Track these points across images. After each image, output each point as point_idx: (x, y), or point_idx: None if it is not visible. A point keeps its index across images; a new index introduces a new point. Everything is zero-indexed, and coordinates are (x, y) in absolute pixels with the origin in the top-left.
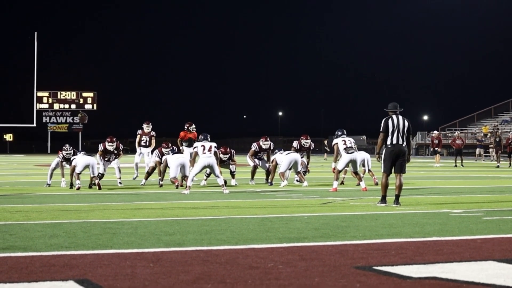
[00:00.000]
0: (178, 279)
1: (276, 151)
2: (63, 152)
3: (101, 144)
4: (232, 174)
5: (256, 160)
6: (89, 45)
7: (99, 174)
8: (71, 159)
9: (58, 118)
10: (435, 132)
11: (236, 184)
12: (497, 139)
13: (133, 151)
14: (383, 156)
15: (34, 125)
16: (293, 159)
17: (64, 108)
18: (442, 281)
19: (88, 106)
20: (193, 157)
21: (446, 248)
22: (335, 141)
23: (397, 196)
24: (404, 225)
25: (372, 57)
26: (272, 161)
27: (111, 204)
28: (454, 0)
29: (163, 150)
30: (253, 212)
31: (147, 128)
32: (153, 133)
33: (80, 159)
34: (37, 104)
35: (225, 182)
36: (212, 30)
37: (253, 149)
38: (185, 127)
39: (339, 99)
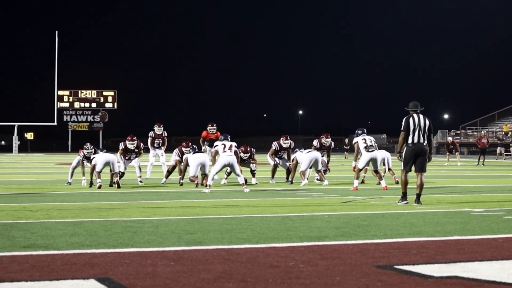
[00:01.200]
0: (199, 277)
1: (297, 149)
2: (84, 151)
3: (122, 143)
4: (253, 173)
5: (276, 159)
6: (110, 44)
7: (120, 172)
8: (91, 157)
9: (78, 116)
10: (450, 138)
11: (256, 183)
12: None
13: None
14: (404, 154)
15: (55, 123)
16: (314, 157)
17: (84, 106)
18: (464, 280)
19: (108, 105)
20: (213, 156)
21: (467, 247)
22: (355, 139)
23: (418, 195)
24: (425, 224)
25: (392, 57)
26: (293, 159)
27: (132, 203)
28: None
29: (183, 149)
30: (274, 210)
31: (158, 130)
32: (165, 134)
33: (100, 157)
34: (58, 103)
35: (246, 180)
36: (232, 28)
37: (273, 148)
38: (208, 128)
39: (359, 98)
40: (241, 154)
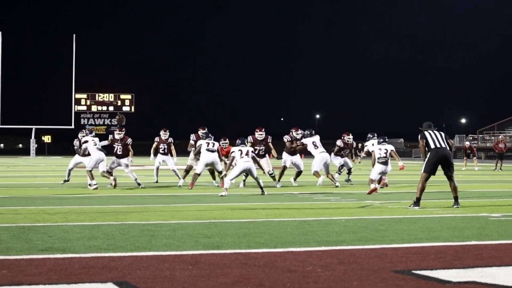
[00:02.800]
0: (216, 281)
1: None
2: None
3: (110, 135)
4: (272, 176)
5: (289, 158)
6: (127, 47)
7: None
8: (82, 141)
9: (96, 120)
10: (467, 143)
11: (281, 186)
12: None
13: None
14: (428, 156)
15: (72, 126)
16: (325, 158)
17: (102, 110)
18: (482, 285)
19: (126, 108)
20: (230, 162)
21: (485, 252)
22: (371, 148)
23: (456, 198)
24: (442, 229)
25: (408, 61)
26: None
27: (149, 206)
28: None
29: (200, 133)
30: (291, 215)
31: (164, 135)
32: (170, 139)
33: (93, 155)
34: (75, 106)
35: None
36: (248, 30)
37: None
38: (219, 142)
39: (377, 102)
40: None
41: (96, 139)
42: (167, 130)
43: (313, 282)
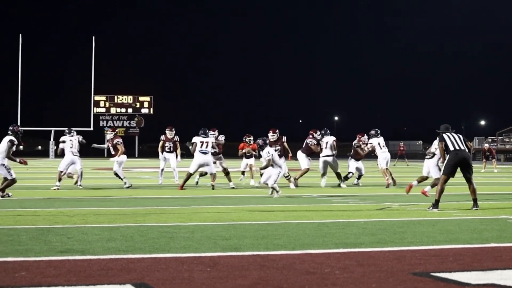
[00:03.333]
0: (235, 283)
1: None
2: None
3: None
4: (287, 178)
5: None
6: (146, 49)
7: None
8: (60, 141)
9: (114, 122)
10: (486, 145)
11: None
12: None
13: (189, 155)
14: (447, 159)
15: (91, 128)
16: (326, 160)
17: (120, 112)
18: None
19: (144, 110)
20: (267, 164)
21: (504, 255)
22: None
23: (475, 200)
24: (461, 231)
25: (428, 62)
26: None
27: (168, 208)
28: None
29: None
30: (310, 217)
31: (170, 133)
32: (176, 138)
33: (66, 157)
34: (94, 108)
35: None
36: (268, 33)
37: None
38: (244, 139)
39: (395, 104)
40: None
41: (75, 141)
42: (173, 129)
43: (331, 284)
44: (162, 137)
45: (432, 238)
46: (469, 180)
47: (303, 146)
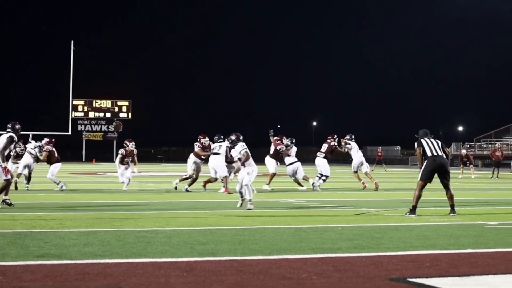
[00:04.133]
0: None
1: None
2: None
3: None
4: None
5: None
6: (125, 54)
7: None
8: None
9: (93, 126)
10: (464, 150)
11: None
12: None
13: (167, 159)
14: (424, 164)
15: (69, 133)
16: (295, 166)
17: (99, 116)
18: None
19: (123, 115)
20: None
21: (481, 260)
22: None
23: (452, 206)
24: (438, 237)
25: (407, 68)
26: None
27: (145, 213)
28: (486, 13)
29: (202, 141)
30: (287, 222)
31: (130, 146)
32: (135, 151)
33: (24, 160)
34: (73, 112)
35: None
36: (245, 39)
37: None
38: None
39: (374, 110)
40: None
41: (31, 146)
42: (132, 141)
43: None
44: (123, 151)
45: (409, 244)
46: (446, 186)
47: (271, 151)
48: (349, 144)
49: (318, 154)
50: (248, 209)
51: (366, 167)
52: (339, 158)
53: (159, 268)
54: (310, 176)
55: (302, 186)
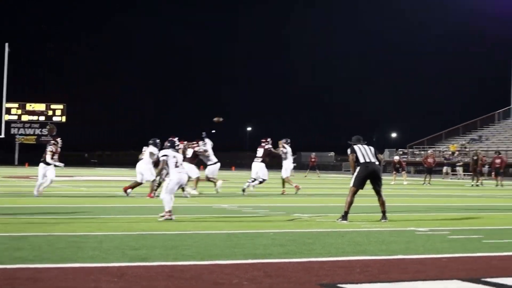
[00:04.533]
0: None
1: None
2: None
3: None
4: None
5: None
6: (60, 57)
7: None
8: None
9: (26, 129)
10: (396, 157)
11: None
12: (475, 158)
13: (100, 164)
14: (357, 171)
15: (2, 136)
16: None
17: (32, 119)
18: None
19: (56, 118)
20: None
21: (411, 267)
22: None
23: (384, 212)
24: (369, 243)
25: (339, 74)
26: None
27: (77, 218)
28: (423, 26)
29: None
30: (220, 227)
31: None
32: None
33: None
34: (6, 115)
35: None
36: (173, 37)
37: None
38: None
39: (308, 115)
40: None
41: None
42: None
43: None
44: (53, 148)
45: (340, 250)
46: (378, 192)
47: (190, 156)
48: (285, 148)
49: (255, 159)
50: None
51: (287, 173)
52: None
53: (89, 273)
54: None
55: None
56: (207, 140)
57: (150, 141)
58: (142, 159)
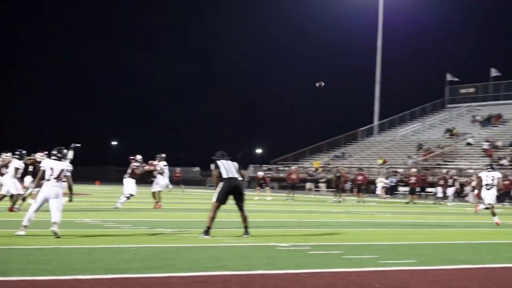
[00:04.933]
0: None
1: None
2: None
3: None
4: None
5: None
6: None
7: None
8: None
9: None
10: (260, 173)
11: None
12: (338, 174)
13: None
14: (220, 186)
15: None
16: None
17: None
18: None
19: None
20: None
21: (271, 282)
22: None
23: (246, 227)
24: (231, 258)
25: (202, 90)
26: None
27: None
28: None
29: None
30: (81, 242)
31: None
32: None
33: None
34: None
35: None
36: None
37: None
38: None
39: (176, 131)
40: None
41: None
42: None
43: None
44: None
45: (201, 265)
46: (241, 207)
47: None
48: (158, 164)
49: (124, 175)
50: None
51: (158, 187)
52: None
53: None
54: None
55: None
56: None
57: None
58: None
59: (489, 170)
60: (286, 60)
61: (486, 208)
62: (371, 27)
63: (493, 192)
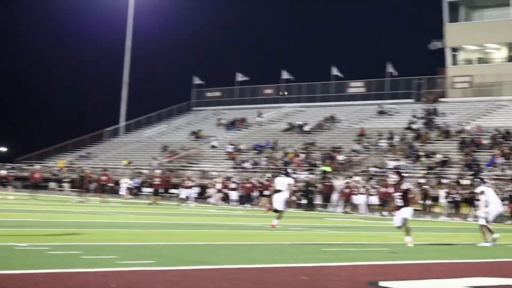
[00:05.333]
0: None
1: None
2: None
3: None
4: None
5: None
6: None
7: None
8: None
9: None
10: (3, 171)
11: None
12: (82, 174)
13: None
14: None
15: None
16: None
17: None
18: None
19: None
20: None
21: (7, 283)
22: None
23: None
24: None
25: None
26: None
27: None
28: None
29: None
30: None
31: None
32: None
33: None
34: None
35: None
36: None
37: None
38: None
39: None
40: None
41: None
42: None
43: None
44: None
45: None
46: None
47: None
48: None
49: None
50: None
51: None
52: None
53: None
54: None
55: None
56: None
57: None
58: None
59: (282, 176)
60: (37, 60)
61: (275, 211)
62: (120, 26)
63: (283, 196)
